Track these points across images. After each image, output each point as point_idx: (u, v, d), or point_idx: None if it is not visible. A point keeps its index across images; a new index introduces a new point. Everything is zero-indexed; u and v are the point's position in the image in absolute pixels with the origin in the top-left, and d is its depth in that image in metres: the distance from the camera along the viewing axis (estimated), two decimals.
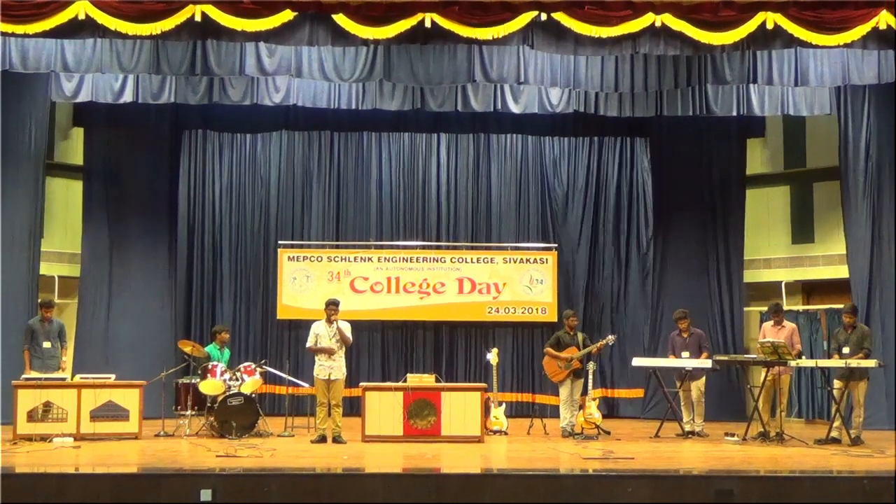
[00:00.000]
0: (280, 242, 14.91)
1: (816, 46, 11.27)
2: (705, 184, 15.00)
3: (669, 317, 13.34)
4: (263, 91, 13.47)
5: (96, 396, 11.21)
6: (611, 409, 14.79)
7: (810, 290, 14.77)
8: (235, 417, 11.25)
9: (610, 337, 12.51)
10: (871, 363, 10.97)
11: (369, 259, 14.95)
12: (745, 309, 14.83)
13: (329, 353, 11.18)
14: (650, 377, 14.39)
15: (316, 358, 11.30)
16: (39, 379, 11.26)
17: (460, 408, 11.42)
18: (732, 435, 11.53)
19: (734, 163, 14.99)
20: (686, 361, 12.13)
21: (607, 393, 14.91)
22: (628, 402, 15.01)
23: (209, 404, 11.59)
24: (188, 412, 11.71)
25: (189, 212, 14.94)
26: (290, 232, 15.08)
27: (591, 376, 12.01)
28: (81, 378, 11.59)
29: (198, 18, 10.89)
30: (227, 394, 11.43)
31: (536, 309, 14.96)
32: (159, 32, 10.99)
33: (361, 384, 11.97)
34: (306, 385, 12.35)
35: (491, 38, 11.20)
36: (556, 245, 15.14)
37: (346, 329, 11.31)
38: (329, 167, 15.20)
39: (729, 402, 13.99)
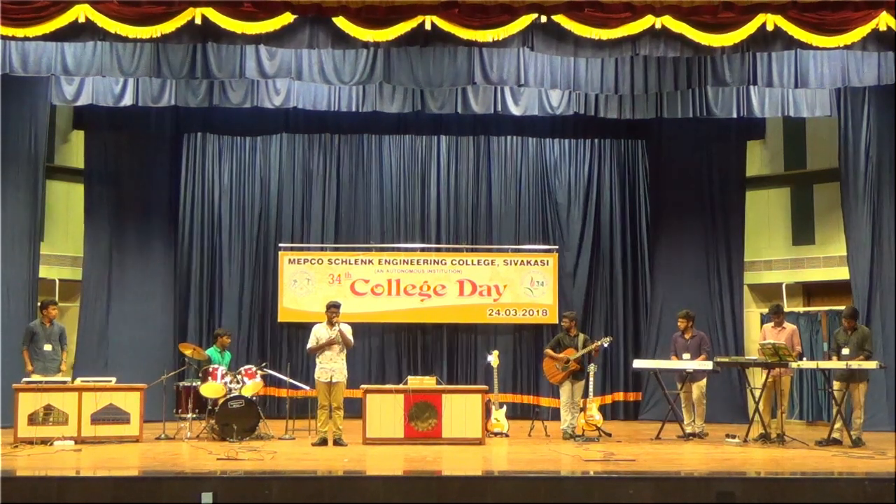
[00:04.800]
0: (280, 245, 14.91)
1: (816, 48, 11.28)
2: (706, 186, 15.01)
3: (669, 319, 13.34)
4: (264, 94, 13.48)
5: (97, 399, 11.20)
6: (611, 411, 14.76)
7: (811, 291, 14.76)
8: (236, 420, 11.23)
9: (604, 339, 12.48)
10: (871, 365, 10.96)
11: (370, 261, 14.95)
12: (746, 311, 14.83)
13: (331, 344, 11.14)
14: (648, 379, 14.42)
15: (317, 360, 11.29)
16: (40, 382, 11.26)
17: (461, 410, 11.42)
18: (733, 436, 11.52)
19: (734, 164, 15.00)
20: (686, 363, 12.14)
21: (612, 398, 14.89)
22: (628, 405, 15.00)
23: (210, 407, 11.60)
24: (189, 415, 11.70)
25: (189, 215, 14.94)
26: (291, 234, 15.08)
27: (591, 378, 12.02)
28: (82, 381, 11.59)
29: (198, 21, 10.90)
30: (228, 397, 11.43)
31: (537, 311, 14.97)
32: (159, 35, 11.00)
33: (362, 386, 11.96)
34: (307, 388, 12.34)
35: (491, 40, 11.22)
36: (556, 247, 15.14)
37: (348, 331, 11.30)
38: (329, 170, 15.20)
39: (731, 404, 13.99)
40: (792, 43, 11.25)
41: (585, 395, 12.01)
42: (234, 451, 10.08)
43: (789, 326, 11.97)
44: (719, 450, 10.93)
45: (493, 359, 12.79)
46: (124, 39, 11.14)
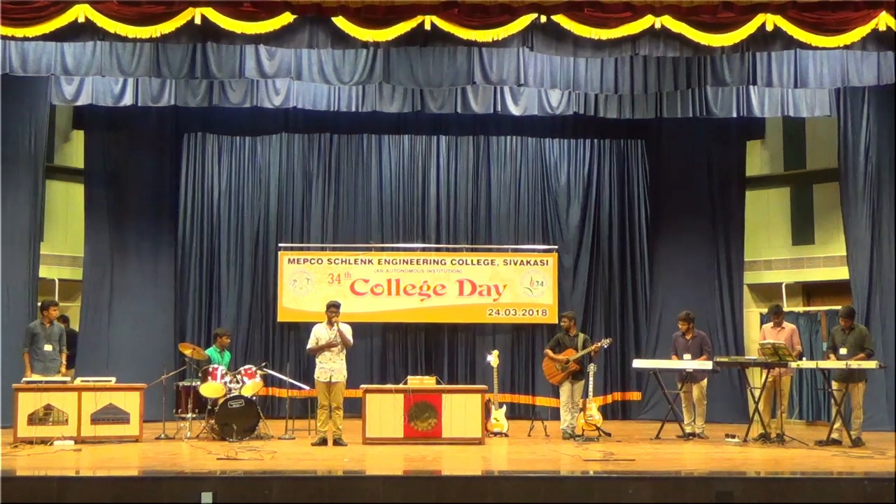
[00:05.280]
0: (280, 245, 14.90)
1: (816, 48, 11.29)
2: (705, 185, 15.00)
3: (669, 319, 13.34)
4: (263, 94, 13.48)
5: (97, 399, 11.20)
6: (611, 410, 14.76)
7: (810, 291, 14.77)
8: (236, 420, 11.23)
9: (604, 340, 12.46)
10: (871, 364, 10.96)
11: (370, 261, 14.95)
12: (746, 310, 14.82)
13: (331, 346, 11.15)
14: (648, 379, 14.41)
15: (317, 360, 11.30)
16: (40, 382, 11.26)
17: (461, 410, 11.42)
18: (733, 436, 11.53)
19: (734, 164, 14.99)
20: (686, 363, 12.14)
21: (612, 398, 14.90)
22: (628, 404, 15.01)
23: (210, 407, 11.60)
24: (189, 415, 11.70)
25: (189, 214, 14.93)
26: (291, 234, 15.07)
27: (591, 378, 12.01)
28: (82, 381, 11.59)
29: (197, 21, 10.89)
30: (228, 396, 11.43)
31: (537, 311, 14.96)
32: (159, 35, 11.00)
33: (362, 386, 11.97)
34: (307, 387, 12.34)
35: (491, 40, 11.22)
36: (556, 247, 15.14)
37: (347, 331, 11.30)
38: (329, 169, 15.19)
39: (732, 404, 13.98)
40: (791, 43, 11.26)
41: (585, 395, 12.01)
42: (233, 450, 10.08)
43: (788, 326, 11.97)
44: (719, 450, 10.93)
45: (493, 359, 12.79)
46: (124, 39, 11.14)
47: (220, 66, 12.20)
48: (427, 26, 11.06)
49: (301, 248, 14.98)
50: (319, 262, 14.90)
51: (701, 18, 11.12)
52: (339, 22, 11.12)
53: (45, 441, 10.72)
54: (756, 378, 12.31)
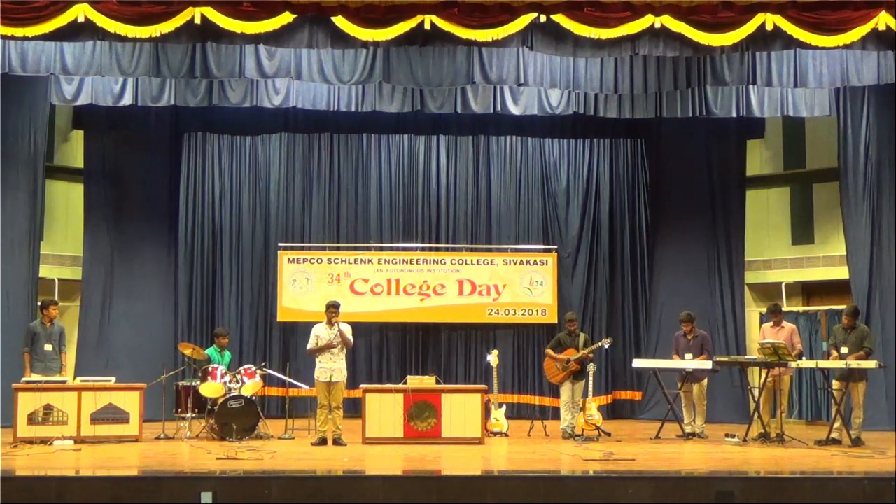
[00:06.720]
0: (280, 244, 14.90)
1: (816, 47, 11.30)
2: (705, 185, 15.00)
3: (669, 318, 13.34)
4: (263, 93, 13.49)
5: (97, 399, 11.20)
6: (610, 410, 14.76)
7: (810, 291, 14.76)
8: (236, 420, 11.23)
9: (605, 340, 12.47)
10: (871, 364, 10.96)
11: (369, 261, 14.95)
12: (747, 310, 14.81)
13: (330, 348, 11.15)
14: (648, 378, 14.41)
15: (317, 360, 11.29)
16: (40, 382, 11.25)
17: (461, 410, 11.42)
18: (733, 436, 11.53)
19: (734, 164, 14.99)
20: (686, 363, 12.14)
21: (612, 397, 14.90)
22: (628, 404, 15.00)
23: (209, 407, 11.59)
24: (188, 415, 11.70)
25: (189, 214, 14.92)
26: (290, 234, 15.07)
27: (591, 378, 12.01)
28: (82, 381, 11.59)
29: (197, 21, 10.90)
30: (228, 396, 11.43)
31: (536, 310, 14.96)
32: (159, 35, 11.01)
33: (362, 386, 11.99)
34: (307, 387, 12.34)
35: (490, 39, 11.23)
36: (556, 247, 15.14)
37: (347, 331, 11.30)
38: (329, 169, 15.19)
39: (732, 404, 13.97)
40: (791, 42, 11.26)
41: (585, 394, 12.01)
42: (233, 450, 10.07)
43: (788, 326, 11.97)
44: (719, 449, 10.93)
45: (493, 358, 12.79)
46: (123, 39, 11.14)
47: (220, 65, 12.21)
48: (427, 26, 11.07)
49: (301, 248, 14.97)
50: (319, 261, 14.90)
51: (701, 18, 11.13)
52: (339, 21, 11.12)
53: (44, 441, 10.72)
54: (756, 378, 12.30)
